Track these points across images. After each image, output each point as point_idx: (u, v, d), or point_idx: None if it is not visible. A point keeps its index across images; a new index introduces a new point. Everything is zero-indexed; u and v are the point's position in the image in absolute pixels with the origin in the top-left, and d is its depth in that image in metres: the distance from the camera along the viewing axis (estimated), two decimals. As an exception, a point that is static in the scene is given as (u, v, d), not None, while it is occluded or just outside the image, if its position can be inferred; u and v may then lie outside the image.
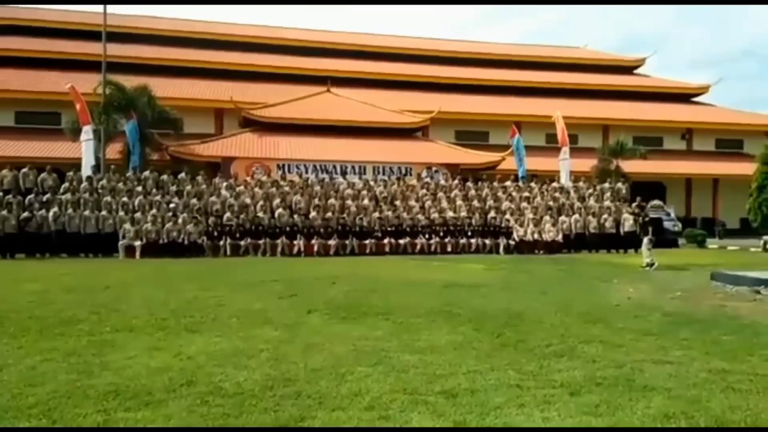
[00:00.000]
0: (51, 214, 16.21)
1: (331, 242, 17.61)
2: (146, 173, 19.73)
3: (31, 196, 16.92)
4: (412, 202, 19.98)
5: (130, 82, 24.15)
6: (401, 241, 18.18)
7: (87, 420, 3.67)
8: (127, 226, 16.54)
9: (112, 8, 26.42)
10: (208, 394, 4.17)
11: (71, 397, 4.09)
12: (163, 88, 27.69)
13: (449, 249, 18.33)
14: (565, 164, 24.72)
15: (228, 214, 17.90)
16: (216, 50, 36.61)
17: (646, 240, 14.20)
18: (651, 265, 13.31)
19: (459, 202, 20.40)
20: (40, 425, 3.59)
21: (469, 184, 22.09)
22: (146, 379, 4.49)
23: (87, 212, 16.56)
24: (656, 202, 27.29)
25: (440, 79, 38.05)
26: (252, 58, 36.60)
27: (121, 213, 17.01)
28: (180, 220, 17.08)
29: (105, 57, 22.61)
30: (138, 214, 17.06)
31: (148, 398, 4.07)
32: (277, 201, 19.00)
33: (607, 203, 20.87)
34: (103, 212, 16.87)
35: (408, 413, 3.80)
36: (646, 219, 15.50)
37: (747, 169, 27.56)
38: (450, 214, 19.50)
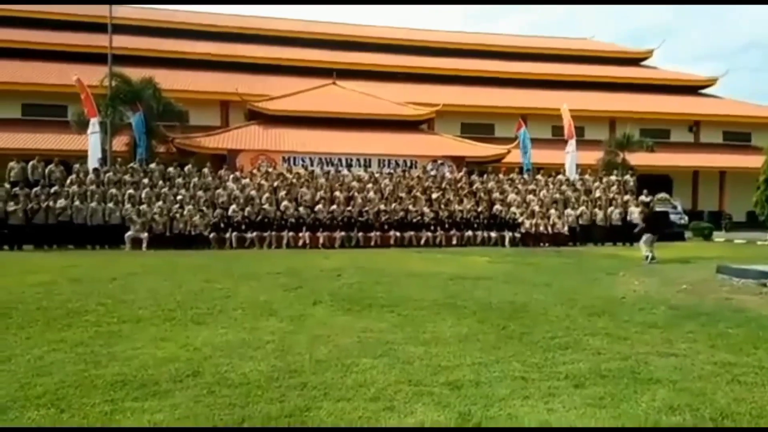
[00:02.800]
0: (58, 206, 16.27)
1: (337, 235, 17.62)
2: (152, 165, 19.77)
3: (38, 188, 16.99)
4: (418, 195, 19.95)
5: (136, 74, 24.16)
6: (406, 234, 18.16)
7: (94, 410, 3.70)
8: (134, 217, 16.59)
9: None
10: (214, 384, 4.21)
11: (79, 387, 4.13)
12: (169, 80, 27.68)
13: (454, 242, 18.32)
14: (571, 157, 24.62)
15: (234, 207, 17.93)
16: (221, 42, 36.55)
17: (645, 235, 14.16)
18: (647, 257, 13.28)
19: (465, 194, 20.36)
20: (48, 415, 3.63)
21: (475, 176, 22.03)
22: (153, 370, 4.53)
23: (94, 204, 16.60)
24: (663, 194, 27.16)
25: (446, 71, 37.89)
26: (257, 50, 36.54)
27: (128, 205, 17.06)
28: (186, 212, 17.13)
29: (111, 49, 22.62)
30: (144, 206, 17.11)
31: (155, 388, 4.11)
32: (282, 193, 19.02)
33: (613, 195, 20.78)
34: (110, 204, 16.91)
35: (412, 404, 3.82)
36: (647, 213, 15.44)
37: (754, 161, 27.39)
38: (455, 206, 19.47)
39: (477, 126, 34.30)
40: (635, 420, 3.61)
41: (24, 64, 30.63)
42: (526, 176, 23.15)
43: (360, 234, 17.88)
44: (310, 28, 41.03)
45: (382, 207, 18.81)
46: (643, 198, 20.51)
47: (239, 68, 34.18)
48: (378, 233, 18.04)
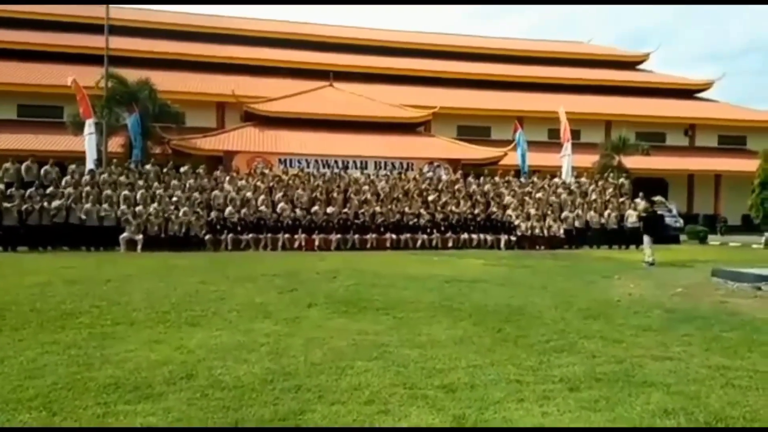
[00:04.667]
0: (53, 206, 16.21)
1: (332, 237, 17.60)
2: (148, 166, 19.72)
3: (33, 189, 16.92)
4: (414, 197, 19.94)
5: (132, 75, 24.10)
6: (402, 236, 18.15)
7: (87, 412, 3.68)
8: (129, 219, 16.54)
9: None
10: (208, 387, 4.19)
11: (71, 389, 4.11)
12: (165, 81, 27.60)
13: (450, 244, 18.32)
14: (567, 160, 24.67)
15: (229, 208, 17.89)
16: (217, 44, 36.53)
17: (647, 237, 14.17)
18: (651, 262, 13.28)
19: (461, 197, 20.38)
20: (41, 417, 3.61)
21: (471, 179, 22.04)
22: (147, 372, 4.51)
23: (89, 205, 16.53)
24: (658, 198, 27.17)
25: (442, 73, 37.96)
26: (254, 51, 36.53)
27: (123, 206, 17.00)
28: (181, 214, 17.07)
29: (107, 50, 22.57)
30: (140, 208, 17.06)
31: (148, 391, 4.09)
32: (278, 195, 18.99)
33: (609, 198, 20.81)
34: (105, 205, 16.85)
35: (407, 407, 3.81)
36: (649, 215, 15.47)
37: (750, 165, 27.50)
38: (452, 209, 19.47)
39: (473, 128, 34.35)
40: (630, 423, 3.60)
41: (20, 64, 30.54)
42: (522, 179, 23.18)
43: (356, 236, 17.86)
44: (307, 30, 41.07)
45: (378, 209, 18.79)
46: (638, 200, 20.56)
47: (235, 70, 34.17)
48: (374, 235, 18.01)
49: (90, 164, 20.17)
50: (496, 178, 22.24)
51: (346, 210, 18.58)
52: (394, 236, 18.08)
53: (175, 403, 3.84)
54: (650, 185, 26.73)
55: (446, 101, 32.06)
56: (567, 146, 24.82)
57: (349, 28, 43.83)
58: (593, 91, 38.71)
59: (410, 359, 4.95)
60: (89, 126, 21.29)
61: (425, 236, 18.28)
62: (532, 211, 19.47)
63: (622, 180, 23.01)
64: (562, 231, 19.22)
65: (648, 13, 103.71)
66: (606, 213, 19.92)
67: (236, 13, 70.09)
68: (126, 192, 17.72)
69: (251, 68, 34.91)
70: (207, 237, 16.92)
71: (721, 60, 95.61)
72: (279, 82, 33.09)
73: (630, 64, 44.83)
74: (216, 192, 18.73)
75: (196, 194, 18.34)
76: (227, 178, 19.70)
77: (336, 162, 24.54)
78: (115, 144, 24.02)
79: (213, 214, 17.69)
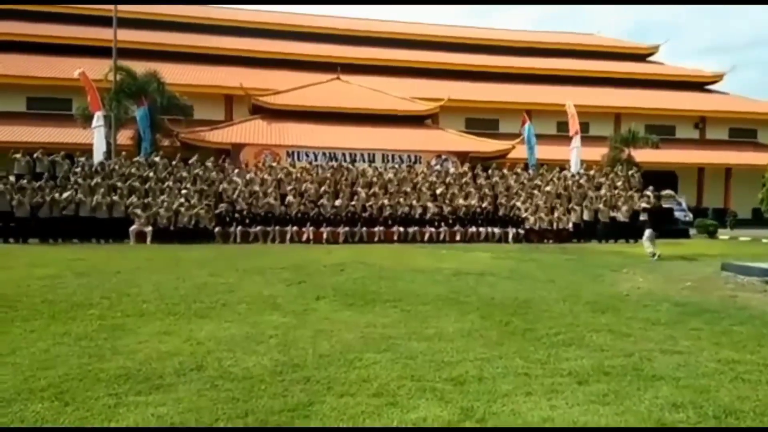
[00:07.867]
0: (63, 199, 16.31)
1: (340, 230, 17.62)
2: (157, 159, 19.80)
3: (43, 181, 17.03)
4: (422, 190, 19.92)
5: (140, 68, 24.16)
6: (410, 229, 18.15)
7: (98, 403, 3.72)
8: (138, 211, 16.62)
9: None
10: (217, 378, 4.22)
11: (83, 380, 4.15)
12: (174, 74, 27.68)
13: (458, 237, 18.29)
14: (576, 153, 24.53)
15: (238, 198, 17.95)
16: (226, 36, 36.53)
17: (648, 232, 14.14)
18: (653, 255, 13.26)
19: (469, 190, 20.33)
20: (52, 407, 3.64)
21: (479, 172, 21.97)
22: (157, 363, 4.54)
23: (98, 198, 16.63)
24: (668, 191, 27.06)
25: (451, 66, 37.80)
26: (262, 44, 36.52)
27: (133, 198, 17.10)
28: (191, 207, 17.15)
29: (116, 43, 22.62)
30: (149, 200, 17.14)
31: (158, 382, 4.12)
32: (286, 188, 19.02)
33: (618, 192, 20.69)
34: (115, 198, 16.95)
35: (415, 400, 3.82)
36: (651, 209, 15.44)
37: (760, 158, 27.36)
38: (460, 202, 19.43)
39: (482, 121, 34.22)
40: (638, 417, 3.60)
41: (29, 57, 30.66)
42: (530, 172, 23.08)
43: (364, 229, 17.87)
44: (315, 23, 40.94)
45: (386, 202, 18.78)
46: (648, 193, 20.46)
47: (243, 62, 34.18)
48: (382, 228, 18.02)
49: (98, 157, 20.27)
50: (505, 171, 22.16)
51: (353, 203, 18.59)
52: (401, 229, 18.08)
53: (185, 394, 3.87)
54: (660, 178, 26.63)
55: (454, 94, 31.93)
56: (576, 139, 24.67)
57: (356, 20, 43.67)
58: (602, 83, 38.45)
59: (418, 352, 4.96)
60: (98, 118, 21.38)
61: (433, 229, 18.27)
62: (541, 204, 19.40)
63: (631, 173, 22.86)
64: (570, 224, 19.14)
65: (656, 6, 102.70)
66: (615, 206, 19.78)
67: (246, 5, 69.87)
68: (136, 184, 17.81)
69: (259, 61, 34.92)
70: (216, 229, 16.99)
71: (731, 52, 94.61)
72: (287, 74, 33.06)
73: (639, 56, 44.44)
74: (225, 184, 18.79)
75: (205, 187, 18.41)
76: (236, 170, 19.75)
77: (344, 155, 24.49)
78: (124, 137, 24.10)
79: (222, 206, 17.76)
